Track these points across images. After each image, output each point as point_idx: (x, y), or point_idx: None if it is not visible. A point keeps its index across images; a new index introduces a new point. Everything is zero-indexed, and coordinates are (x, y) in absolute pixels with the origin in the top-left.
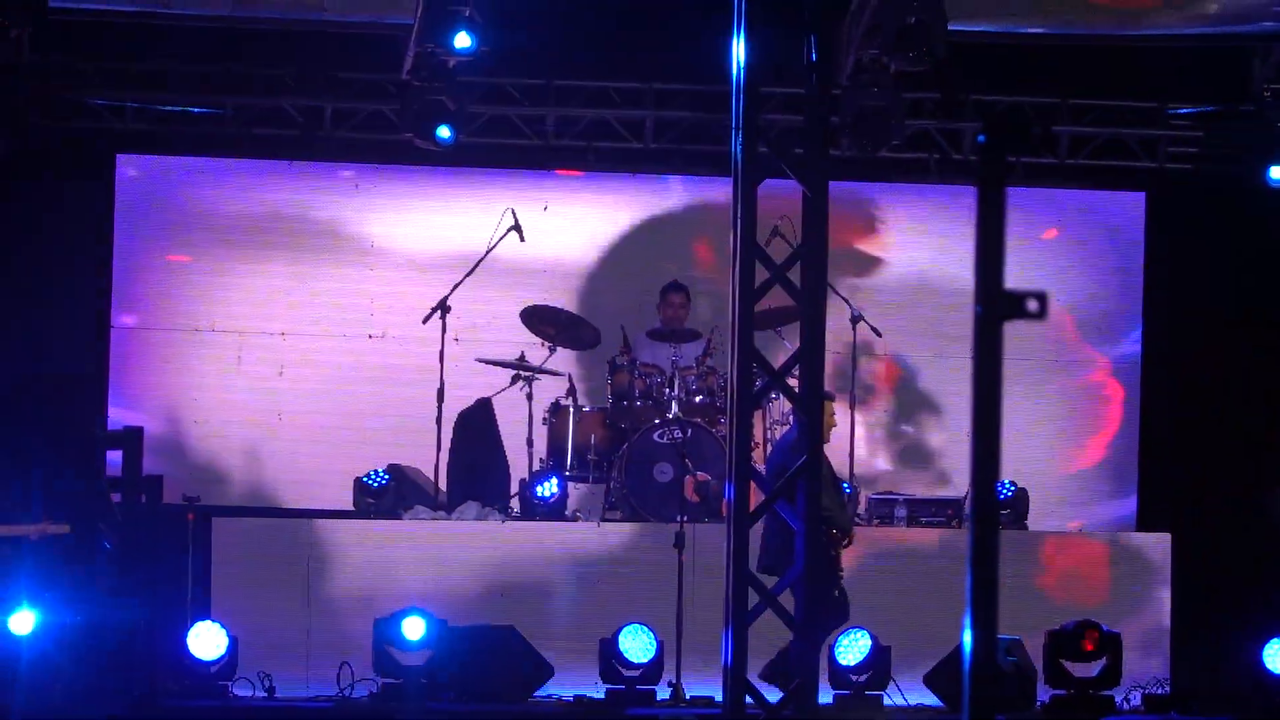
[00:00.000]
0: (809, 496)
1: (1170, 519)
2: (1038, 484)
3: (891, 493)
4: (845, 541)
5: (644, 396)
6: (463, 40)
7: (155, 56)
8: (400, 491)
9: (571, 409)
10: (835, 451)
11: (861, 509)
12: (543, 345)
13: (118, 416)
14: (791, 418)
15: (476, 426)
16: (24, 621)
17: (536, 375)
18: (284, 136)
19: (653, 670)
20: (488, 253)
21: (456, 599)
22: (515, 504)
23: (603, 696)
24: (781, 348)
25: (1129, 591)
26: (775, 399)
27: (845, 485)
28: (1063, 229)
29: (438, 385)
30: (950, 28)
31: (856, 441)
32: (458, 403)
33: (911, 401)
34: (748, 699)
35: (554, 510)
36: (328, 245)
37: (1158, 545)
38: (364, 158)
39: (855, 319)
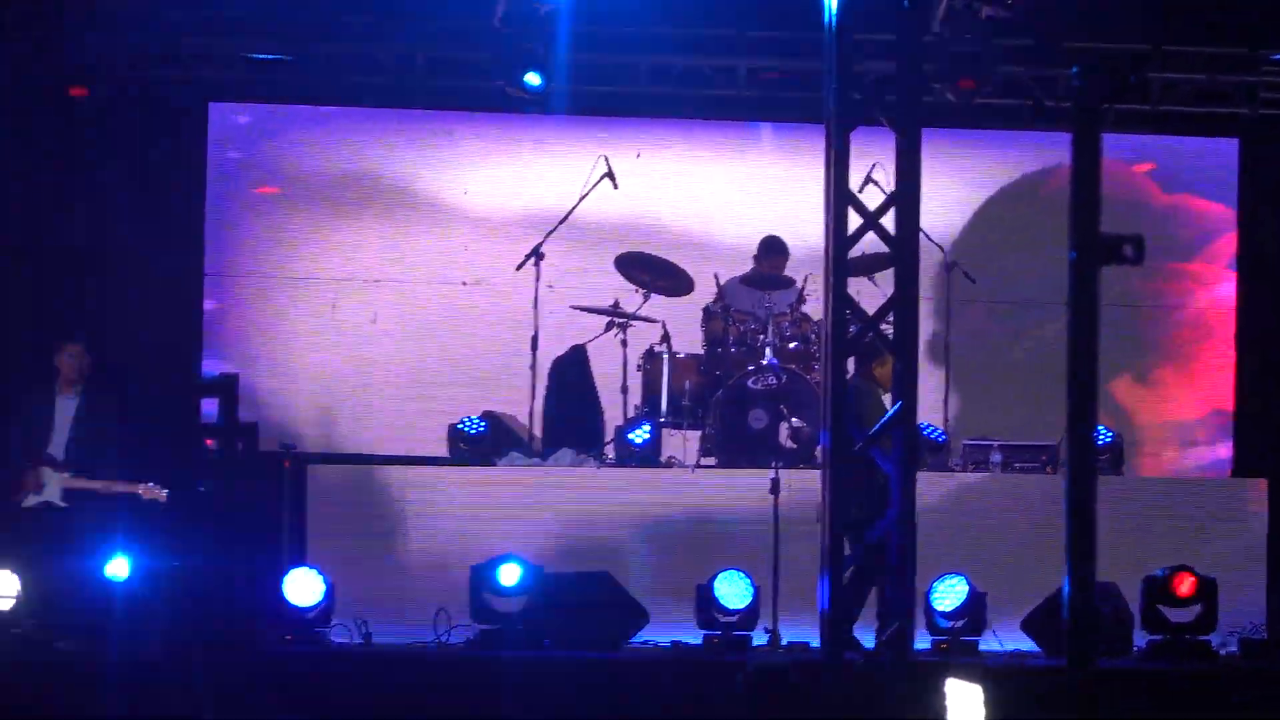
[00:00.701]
0: (904, 442)
1: (1267, 463)
2: (1133, 429)
3: (986, 438)
4: None
5: (738, 343)
6: None
7: (247, 3)
8: (495, 438)
9: (666, 356)
10: (926, 396)
11: (956, 455)
12: (637, 292)
13: (212, 365)
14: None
15: (571, 373)
16: (120, 568)
17: (631, 322)
18: (376, 84)
19: (749, 616)
20: (581, 200)
21: (552, 545)
22: (610, 450)
23: (699, 642)
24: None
25: (1225, 537)
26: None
27: (939, 432)
28: (1155, 175)
29: (532, 332)
30: None
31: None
32: (552, 349)
33: (999, 350)
34: (845, 644)
35: (648, 457)
36: (421, 192)
37: (1254, 490)
38: (456, 105)
39: (949, 265)
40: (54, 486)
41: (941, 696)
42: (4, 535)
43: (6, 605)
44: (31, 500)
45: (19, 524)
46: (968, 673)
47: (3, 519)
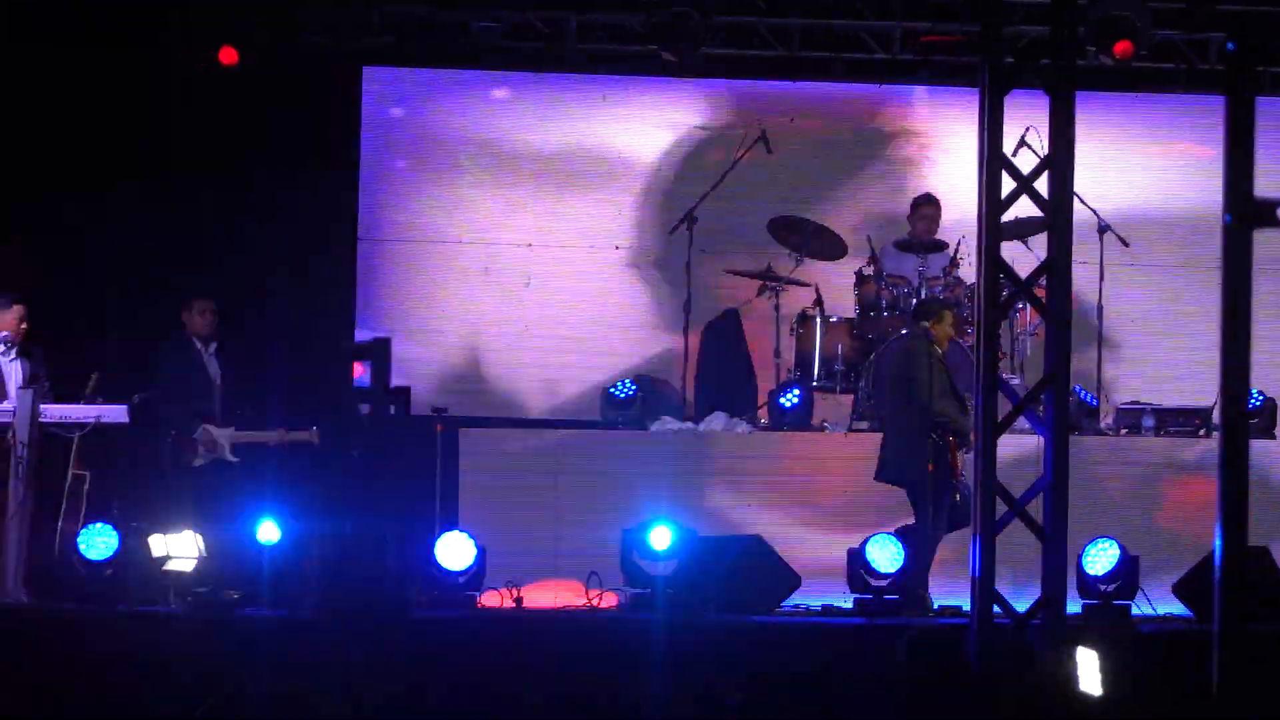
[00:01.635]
0: (1057, 407)
1: None
2: None
3: (1139, 402)
4: (964, 449)
5: (890, 307)
6: None
7: None
8: (647, 402)
9: (818, 319)
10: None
11: (1109, 419)
12: (790, 255)
13: (366, 327)
14: (904, 329)
15: (724, 337)
16: (270, 531)
17: (783, 286)
18: (529, 49)
19: (901, 580)
20: (735, 164)
21: (704, 508)
22: (762, 414)
23: (850, 606)
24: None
25: None
26: (1021, 309)
27: (1091, 396)
28: None
29: (685, 296)
30: None
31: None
32: (705, 314)
33: (1150, 314)
34: (995, 608)
35: (801, 420)
36: (573, 156)
37: None
38: (609, 70)
39: (1102, 229)
40: (225, 442)
41: (1074, 663)
42: (181, 495)
43: (189, 566)
44: (204, 458)
45: (196, 483)
46: (1115, 636)
47: (179, 479)
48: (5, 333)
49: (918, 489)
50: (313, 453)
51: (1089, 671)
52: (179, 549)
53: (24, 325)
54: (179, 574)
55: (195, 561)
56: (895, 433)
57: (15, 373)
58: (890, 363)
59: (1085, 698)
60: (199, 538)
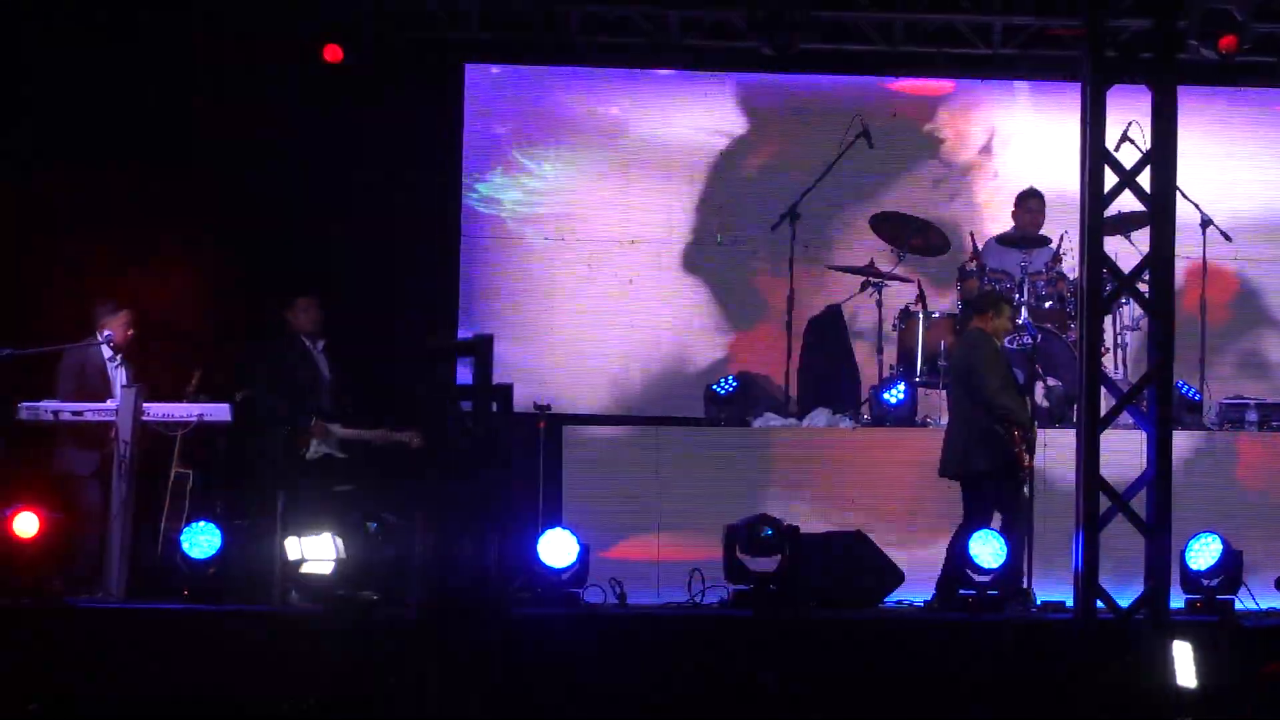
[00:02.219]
0: (1160, 402)
1: None
2: None
3: (1242, 397)
4: (1027, 441)
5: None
6: None
7: None
8: (750, 398)
9: (921, 315)
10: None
11: (1212, 414)
12: (892, 251)
13: (469, 324)
14: (959, 324)
15: (826, 333)
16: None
17: (886, 282)
18: (629, 43)
19: (1004, 575)
20: (837, 159)
21: (807, 504)
22: (865, 410)
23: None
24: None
25: None
26: (1125, 304)
27: (1194, 390)
28: None
29: (788, 292)
30: None
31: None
32: (808, 309)
33: (1253, 309)
34: (1099, 603)
35: (904, 416)
36: (676, 153)
37: None
38: (710, 65)
39: (1205, 224)
40: (332, 438)
41: (1170, 658)
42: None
43: (328, 569)
44: (316, 451)
45: (295, 480)
46: (1218, 631)
47: (279, 477)
48: (109, 332)
49: (988, 482)
50: (418, 451)
51: (1185, 664)
52: (315, 551)
53: (130, 331)
54: (317, 576)
55: (334, 564)
56: (960, 426)
57: (121, 376)
58: (955, 357)
59: (1182, 690)
60: (337, 540)
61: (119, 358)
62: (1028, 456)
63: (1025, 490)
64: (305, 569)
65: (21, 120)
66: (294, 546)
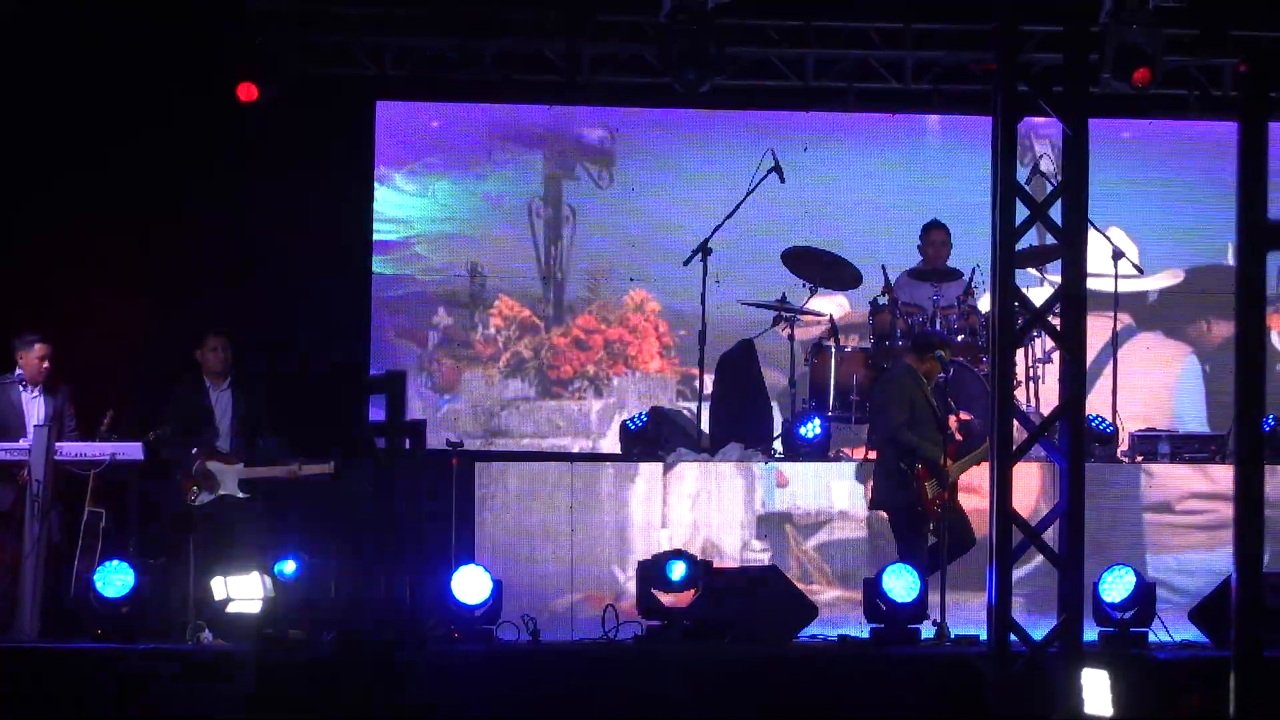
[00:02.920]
0: (1073, 434)
1: None
2: None
3: (1154, 429)
4: (937, 476)
5: (905, 336)
6: None
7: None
8: (663, 434)
9: (833, 350)
10: (1099, 389)
11: (1124, 446)
12: (804, 286)
13: (380, 361)
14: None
15: (739, 368)
16: (288, 566)
17: (798, 316)
18: (542, 81)
19: (917, 609)
20: (748, 194)
21: (720, 540)
22: (778, 445)
23: (867, 636)
24: (1042, 286)
25: None
26: (1038, 337)
27: (1105, 423)
28: None
29: (699, 328)
30: None
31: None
32: (720, 345)
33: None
34: (1012, 637)
35: (817, 451)
36: (585, 189)
37: None
38: (622, 101)
39: (1116, 256)
40: (231, 479)
41: (1078, 686)
42: (185, 534)
43: (256, 607)
44: (205, 497)
45: (196, 522)
46: (1132, 664)
47: (183, 518)
48: (19, 372)
49: (895, 516)
50: (329, 487)
51: (1098, 693)
52: (242, 590)
53: (45, 365)
54: (245, 615)
55: (262, 602)
56: (877, 461)
57: (37, 410)
58: (874, 391)
59: None
60: (266, 579)
61: (37, 391)
62: (932, 491)
63: (931, 525)
64: (232, 608)
65: None
66: (219, 586)
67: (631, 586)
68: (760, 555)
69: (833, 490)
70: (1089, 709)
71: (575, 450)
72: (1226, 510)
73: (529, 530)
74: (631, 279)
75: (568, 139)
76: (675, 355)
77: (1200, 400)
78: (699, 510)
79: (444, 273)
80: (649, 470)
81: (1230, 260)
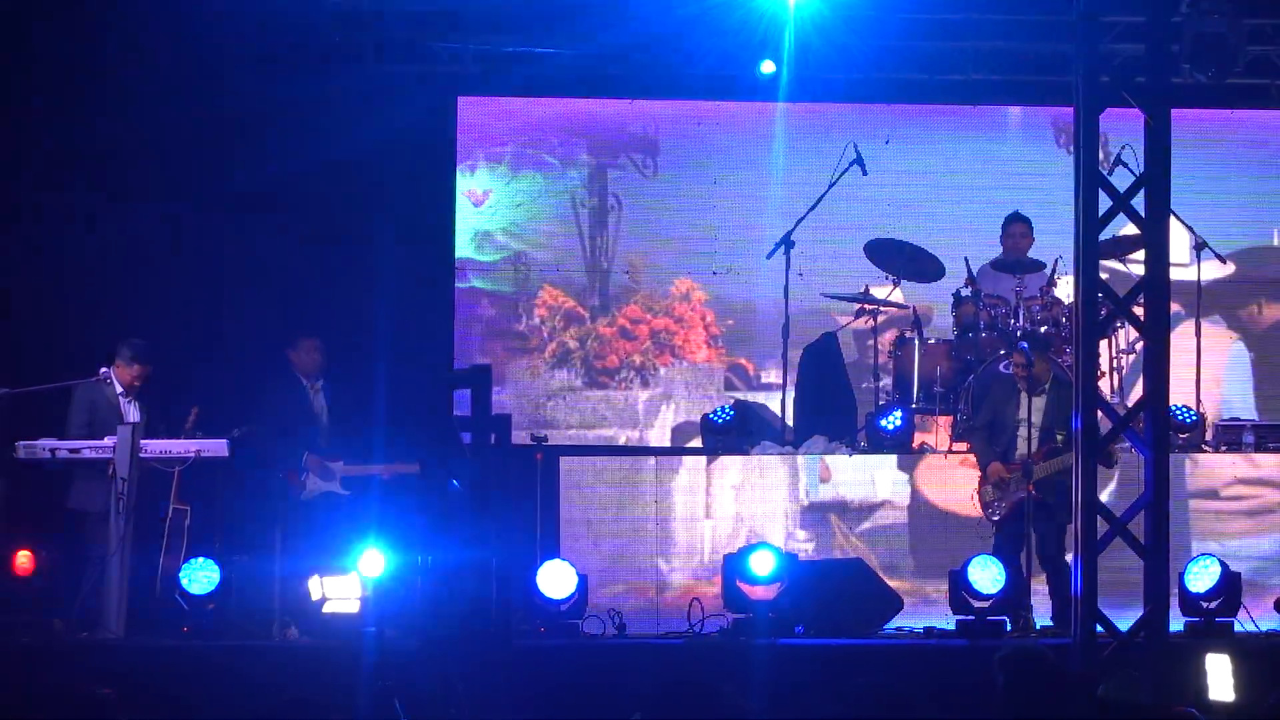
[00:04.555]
0: (1156, 424)
1: None
2: None
3: (1238, 419)
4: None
5: (989, 328)
6: None
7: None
8: (747, 427)
9: (916, 341)
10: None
11: (1209, 435)
12: (887, 278)
13: (465, 357)
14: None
15: (822, 361)
16: (374, 563)
17: (881, 308)
18: (621, 74)
19: (1003, 600)
20: (830, 187)
21: (806, 532)
22: (862, 437)
23: (953, 628)
24: (1127, 276)
25: None
26: (1120, 327)
27: (1190, 412)
28: None
29: (783, 320)
30: None
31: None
32: (803, 337)
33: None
34: (1098, 627)
35: (900, 443)
36: (671, 182)
37: None
38: (703, 94)
39: (1199, 246)
40: (332, 476)
41: (1201, 671)
42: (272, 531)
43: (354, 607)
44: (312, 492)
45: (287, 519)
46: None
47: (271, 515)
48: (105, 370)
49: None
50: (418, 483)
51: (1221, 678)
52: (339, 590)
53: (137, 383)
54: (342, 614)
55: (359, 602)
56: None
57: (132, 412)
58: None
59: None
60: (363, 578)
61: (129, 394)
62: (988, 496)
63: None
64: (328, 608)
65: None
66: (316, 586)
67: (717, 579)
68: (805, 546)
69: (876, 480)
70: (1213, 694)
71: (622, 440)
72: (1271, 496)
73: (613, 524)
74: (714, 271)
75: (630, 131)
76: (722, 345)
77: (1248, 388)
78: (784, 503)
79: (528, 266)
80: (733, 463)
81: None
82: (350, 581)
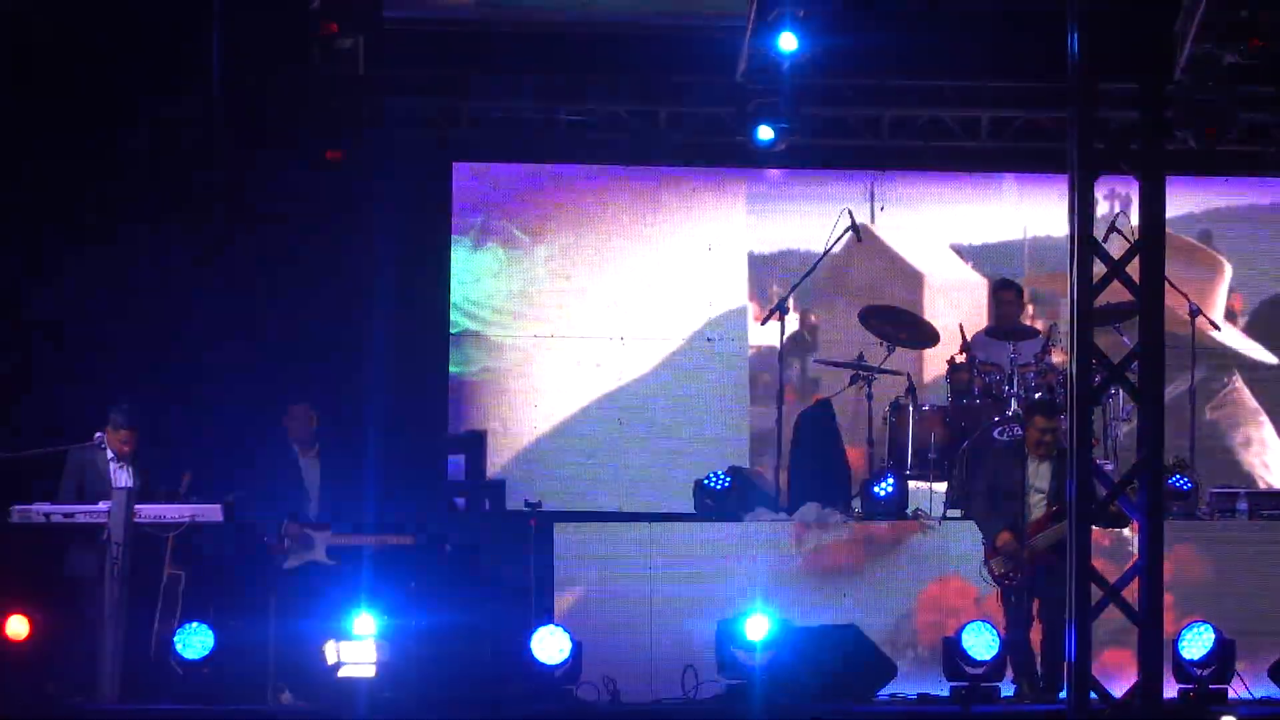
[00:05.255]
0: (1151, 491)
1: None
2: None
3: (1232, 486)
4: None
5: (983, 394)
6: (788, 42)
7: (489, 63)
8: (741, 493)
9: (911, 408)
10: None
11: (1203, 504)
12: (881, 345)
13: (459, 422)
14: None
15: (817, 427)
16: (366, 626)
17: (875, 375)
18: (617, 140)
19: (996, 667)
20: (825, 254)
21: (799, 599)
22: (856, 504)
23: (947, 694)
24: (1120, 344)
25: None
26: (1114, 395)
27: (1184, 480)
28: None
29: (777, 387)
30: None
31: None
32: (798, 404)
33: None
34: (1091, 694)
35: (895, 509)
36: (664, 248)
37: None
38: (697, 161)
39: (1193, 313)
40: (319, 545)
41: None
42: (266, 596)
43: (369, 672)
44: (295, 560)
45: (279, 585)
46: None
47: (265, 580)
48: (100, 436)
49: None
50: (408, 553)
51: None
52: (354, 655)
53: (126, 447)
54: (357, 680)
55: (374, 667)
56: None
57: (121, 478)
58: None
59: None
60: (378, 644)
61: (120, 460)
62: (1000, 568)
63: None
64: (344, 673)
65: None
66: (331, 650)
67: (711, 645)
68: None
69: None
70: None
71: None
72: None
73: (608, 590)
74: (709, 339)
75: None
76: None
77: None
78: (778, 569)
79: (524, 331)
80: (727, 529)
81: None
82: (366, 646)
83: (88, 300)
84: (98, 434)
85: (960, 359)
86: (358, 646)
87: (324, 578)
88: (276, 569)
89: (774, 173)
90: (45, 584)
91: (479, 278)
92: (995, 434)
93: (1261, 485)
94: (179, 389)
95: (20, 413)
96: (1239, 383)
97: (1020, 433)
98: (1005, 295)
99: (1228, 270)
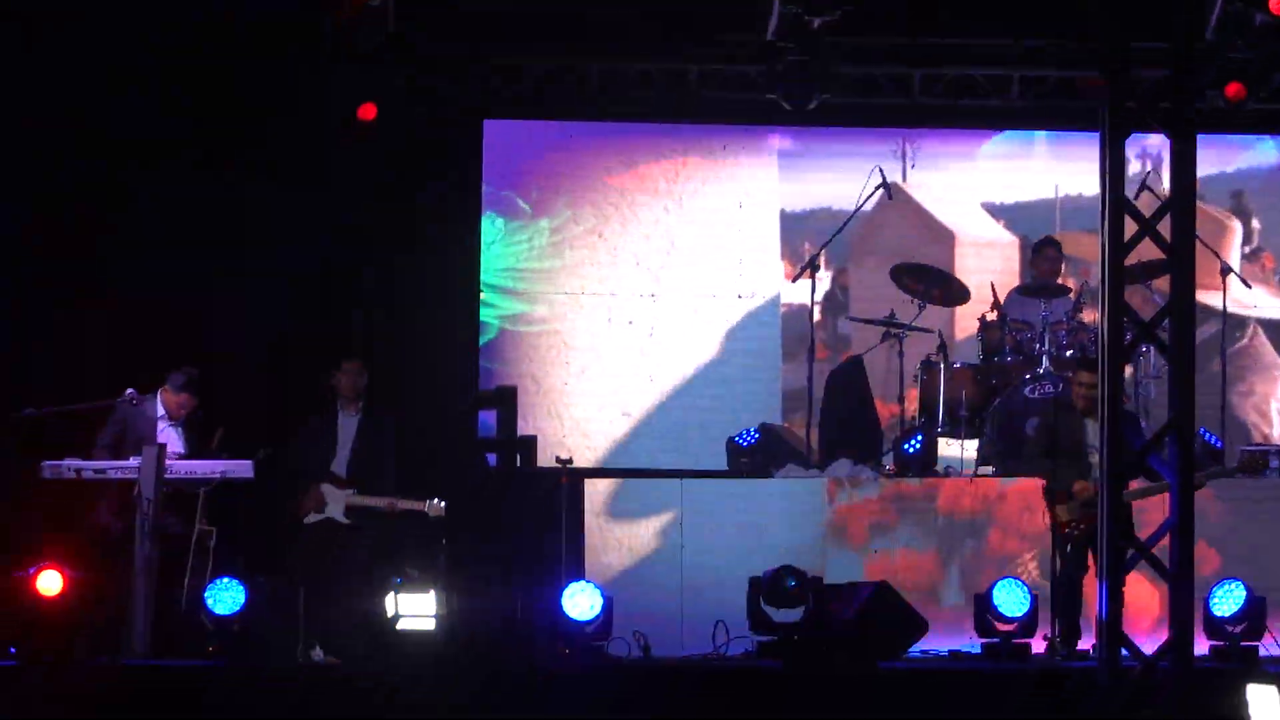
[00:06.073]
0: (1182, 449)
1: None
2: None
3: (1263, 444)
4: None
5: (1015, 352)
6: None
7: (522, 19)
8: (771, 450)
9: (942, 366)
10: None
11: (1234, 461)
12: (912, 302)
13: (490, 379)
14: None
15: (848, 384)
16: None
17: (906, 332)
18: (649, 98)
19: (1028, 624)
20: (856, 211)
21: (830, 555)
22: (887, 460)
23: (978, 651)
24: (1152, 301)
25: None
26: (1145, 352)
27: (1215, 438)
28: None
29: (808, 344)
30: None
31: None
32: (829, 361)
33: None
34: (1123, 651)
35: (925, 466)
36: (696, 206)
37: None
38: (729, 118)
39: (1224, 272)
40: (337, 503)
41: (1243, 701)
42: (291, 549)
43: (429, 625)
44: (314, 517)
45: (302, 541)
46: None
47: (288, 534)
48: (131, 390)
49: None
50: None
51: (1267, 709)
52: (414, 608)
53: (182, 412)
54: (419, 633)
55: (434, 620)
56: None
57: (173, 438)
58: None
59: None
60: (441, 596)
61: (174, 421)
62: (1065, 515)
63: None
64: (402, 625)
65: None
66: (390, 603)
67: (742, 601)
68: (829, 568)
69: (902, 503)
70: None
71: None
72: None
73: (638, 546)
74: (740, 295)
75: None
76: None
77: None
78: (808, 524)
79: (556, 288)
80: (759, 485)
81: None
82: (427, 599)
83: (131, 261)
84: (130, 390)
85: (991, 317)
86: (419, 599)
87: (340, 536)
88: (298, 525)
89: (806, 131)
90: (78, 540)
91: (509, 234)
92: (1026, 392)
93: (1256, 437)
94: (210, 343)
95: (48, 369)
96: (1261, 336)
97: (1051, 390)
98: (1048, 251)
99: (1237, 229)
